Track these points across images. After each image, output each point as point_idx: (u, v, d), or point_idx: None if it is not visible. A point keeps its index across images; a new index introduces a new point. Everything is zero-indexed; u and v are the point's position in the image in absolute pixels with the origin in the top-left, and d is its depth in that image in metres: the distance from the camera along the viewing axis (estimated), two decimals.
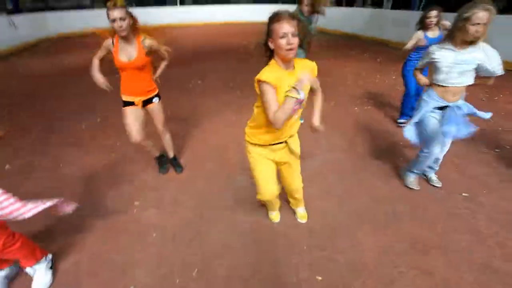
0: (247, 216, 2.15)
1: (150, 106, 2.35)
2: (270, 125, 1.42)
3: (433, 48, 2.01)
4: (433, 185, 2.43)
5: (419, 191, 2.38)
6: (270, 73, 1.34)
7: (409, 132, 2.24)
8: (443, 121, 2.04)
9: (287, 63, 1.39)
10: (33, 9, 14.23)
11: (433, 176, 2.46)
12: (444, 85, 2.00)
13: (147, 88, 2.27)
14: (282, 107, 1.31)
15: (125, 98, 2.27)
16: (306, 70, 1.39)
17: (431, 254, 1.79)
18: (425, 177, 2.53)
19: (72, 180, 2.65)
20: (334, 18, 11.81)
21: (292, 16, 1.31)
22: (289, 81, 1.35)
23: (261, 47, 1.42)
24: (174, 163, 2.76)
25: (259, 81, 1.34)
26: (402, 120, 3.55)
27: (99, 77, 2.13)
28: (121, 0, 1.90)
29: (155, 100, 2.35)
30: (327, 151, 3.04)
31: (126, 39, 2.03)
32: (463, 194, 2.33)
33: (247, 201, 2.29)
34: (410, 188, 2.40)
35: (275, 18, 1.31)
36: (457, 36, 1.85)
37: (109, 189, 2.50)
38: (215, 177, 2.63)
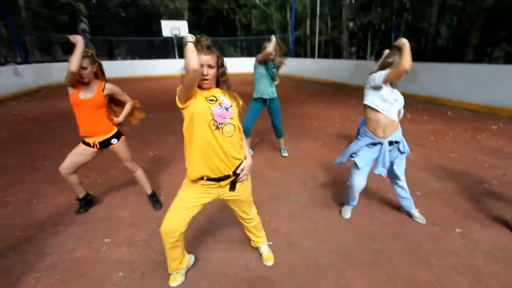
0: (225, 256, 1.97)
1: (110, 147, 2.34)
2: (197, 148, 1.39)
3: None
4: (418, 222, 2.31)
5: (410, 228, 2.25)
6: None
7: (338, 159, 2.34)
8: (378, 159, 2.13)
9: (206, 91, 1.42)
10: (41, 61, 15.20)
11: (415, 212, 2.36)
12: (380, 126, 2.07)
13: (102, 129, 2.26)
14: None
15: (83, 137, 2.28)
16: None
17: None
18: (406, 213, 2.42)
19: (42, 217, 2.48)
20: (322, 68, 12.71)
21: (209, 47, 1.37)
22: (204, 94, 1.38)
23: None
24: (152, 200, 2.63)
25: (178, 91, 1.35)
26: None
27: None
28: (87, 52, 2.06)
29: (114, 141, 2.32)
30: (312, 188, 2.95)
31: (87, 83, 2.14)
32: (457, 230, 2.20)
33: (226, 240, 2.13)
34: (343, 216, 2.40)
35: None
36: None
37: (80, 227, 2.32)
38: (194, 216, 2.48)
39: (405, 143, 2.13)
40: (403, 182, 2.25)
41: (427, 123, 5.39)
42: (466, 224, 2.27)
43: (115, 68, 14.41)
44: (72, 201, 2.71)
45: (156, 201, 2.62)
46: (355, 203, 2.41)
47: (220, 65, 1.44)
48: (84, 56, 2.03)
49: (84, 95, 2.14)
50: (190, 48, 1.24)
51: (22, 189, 3.00)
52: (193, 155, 1.42)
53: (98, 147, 2.28)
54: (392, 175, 2.23)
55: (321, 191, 2.89)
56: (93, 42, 25.94)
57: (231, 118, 1.41)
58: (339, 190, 2.89)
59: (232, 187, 1.54)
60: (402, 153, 2.13)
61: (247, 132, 3.54)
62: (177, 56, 17.02)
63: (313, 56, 18.24)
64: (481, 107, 6.25)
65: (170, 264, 1.65)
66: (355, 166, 2.19)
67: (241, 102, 1.54)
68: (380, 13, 18.18)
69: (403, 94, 2.12)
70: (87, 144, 2.27)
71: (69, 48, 2.00)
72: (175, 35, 15.97)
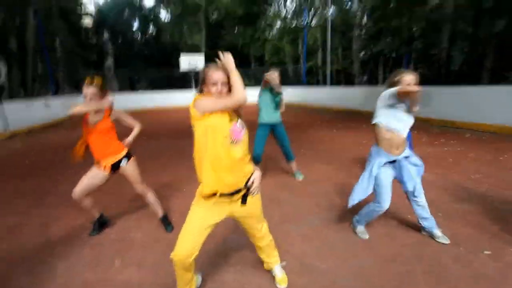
0: (238, 278, 1.90)
1: (120, 169, 2.37)
2: (207, 163, 1.40)
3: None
4: (441, 243, 2.16)
5: (434, 249, 2.10)
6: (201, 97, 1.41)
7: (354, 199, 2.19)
8: (402, 178, 2.08)
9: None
10: (70, 93, 16.43)
11: (437, 233, 2.21)
12: (394, 145, 2.04)
13: (112, 151, 2.33)
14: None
15: (95, 161, 2.34)
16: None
17: None
18: (427, 233, 2.28)
19: (56, 238, 2.52)
20: (335, 96, 12.86)
21: (222, 67, 1.41)
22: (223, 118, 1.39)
23: (198, 93, 1.48)
24: (164, 222, 2.62)
25: (194, 101, 1.36)
26: None
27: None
28: (98, 80, 2.19)
29: (123, 163, 2.36)
30: (327, 210, 2.86)
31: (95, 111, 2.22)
32: (485, 252, 2.04)
33: (238, 262, 2.06)
34: (361, 237, 2.31)
35: (210, 67, 1.42)
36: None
37: (92, 248, 2.34)
38: (205, 239, 2.43)
39: (415, 156, 2.10)
40: (422, 200, 2.15)
41: (445, 145, 5.22)
42: (495, 246, 2.10)
43: (136, 100, 15.26)
44: (86, 224, 2.76)
45: (167, 223, 2.62)
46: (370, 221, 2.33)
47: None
48: (96, 84, 2.17)
49: (92, 119, 2.22)
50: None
51: (39, 212, 3.08)
52: (205, 170, 1.41)
53: (109, 169, 2.32)
54: (409, 192, 2.15)
55: (336, 213, 2.79)
56: (116, 76, 27.85)
57: (243, 139, 1.45)
58: (355, 212, 2.78)
59: (244, 200, 1.53)
60: (414, 165, 2.08)
61: (258, 159, 3.57)
62: (193, 88, 17.86)
63: (325, 85, 18.61)
64: (502, 128, 6.03)
65: (181, 282, 1.60)
66: (380, 187, 2.10)
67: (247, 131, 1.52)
68: (390, 42, 18.62)
69: (417, 118, 2.10)
70: (99, 167, 2.33)
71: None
72: (193, 68, 16.90)
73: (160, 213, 2.62)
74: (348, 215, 2.73)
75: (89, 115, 2.22)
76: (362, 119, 9.46)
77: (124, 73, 25.62)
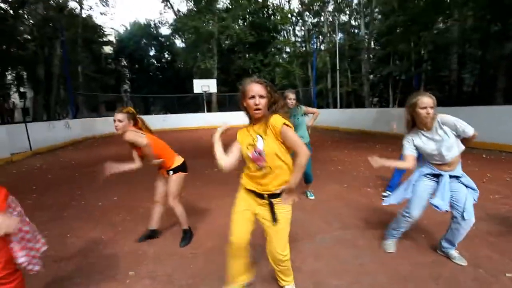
0: None
1: (167, 176, 2.57)
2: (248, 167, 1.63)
3: (408, 138, 2.11)
4: (458, 264, 2.10)
5: (452, 270, 2.04)
6: (240, 134, 1.67)
7: (391, 199, 2.19)
8: (436, 191, 2.04)
9: (258, 120, 1.56)
10: (88, 116, 17.25)
11: (454, 253, 2.15)
12: (439, 163, 2.04)
13: (164, 164, 2.55)
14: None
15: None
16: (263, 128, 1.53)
17: None
18: (443, 253, 2.21)
19: (74, 249, 2.59)
20: (345, 118, 12.94)
21: (259, 81, 1.51)
22: (250, 133, 1.58)
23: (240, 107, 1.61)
24: (184, 235, 2.69)
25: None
26: (385, 194, 3.70)
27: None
28: (126, 109, 2.45)
29: (170, 172, 2.55)
30: (339, 229, 2.83)
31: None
32: (507, 274, 1.96)
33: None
34: (385, 249, 2.26)
35: (246, 81, 1.54)
36: (417, 122, 2.04)
37: (107, 259, 2.39)
38: (216, 256, 2.43)
39: (468, 177, 2.06)
40: (463, 226, 2.01)
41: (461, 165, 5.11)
42: None
43: (150, 122, 15.69)
44: (101, 236, 2.83)
45: (186, 238, 2.66)
46: (399, 235, 2.30)
47: (270, 94, 1.53)
48: (125, 111, 2.42)
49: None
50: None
51: (59, 224, 3.19)
52: (246, 173, 1.68)
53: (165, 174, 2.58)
54: (454, 210, 2.04)
55: (348, 231, 2.75)
56: (132, 100, 29.05)
57: (266, 162, 1.52)
58: (367, 230, 2.74)
59: (274, 219, 1.60)
60: (466, 186, 2.03)
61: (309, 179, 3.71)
62: (205, 110, 18.37)
63: (335, 107, 18.77)
64: None
65: (231, 274, 1.79)
66: (414, 195, 2.10)
67: (280, 124, 1.47)
68: (399, 65, 18.85)
69: None
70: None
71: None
72: (205, 92, 17.50)
73: (185, 226, 2.69)
74: (360, 233, 2.70)
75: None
76: (374, 139, 9.42)
77: (139, 97, 26.74)
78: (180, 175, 2.58)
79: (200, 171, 5.64)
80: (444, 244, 2.18)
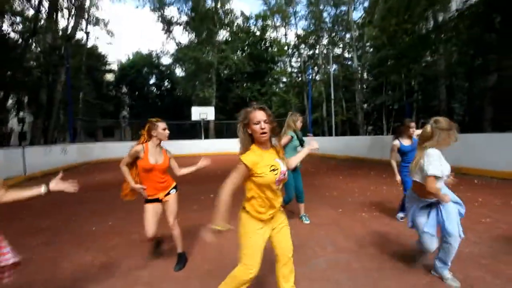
0: None
1: (167, 197, 2.58)
2: (260, 197, 1.65)
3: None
4: (451, 285, 2.12)
5: None
6: (249, 156, 1.60)
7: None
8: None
9: (264, 144, 1.66)
10: (85, 141, 17.30)
11: (447, 274, 2.17)
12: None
13: (167, 185, 2.60)
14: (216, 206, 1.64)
15: (149, 197, 2.54)
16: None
17: None
18: (437, 274, 2.24)
19: (66, 274, 2.55)
20: (340, 145, 13.17)
21: (261, 107, 1.64)
22: (269, 157, 1.65)
23: (243, 134, 1.66)
24: (179, 259, 2.66)
25: (240, 159, 1.61)
26: (401, 215, 3.74)
27: (134, 185, 2.51)
28: (143, 132, 2.62)
29: (172, 191, 2.61)
30: (332, 252, 2.83)
31: (156, 146, 2.55)
32: None
33: None
34: (455, 285, 2.12)
35: (248, 109, 1.65)
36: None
37: (98, 284, 2.35)
38: (211, 280, 2.42)
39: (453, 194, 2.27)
40: (451, 243, 2.11)
41: (454, 190, 5.18)
42: None
43: None
44: (93, 261, 2.79)
45: (180, 262, 2.64)
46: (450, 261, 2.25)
47: (272, 119, 1.64)
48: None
49: (154, 160, 2.49)
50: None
51: (52, 249, 3.14)
52: (254, 202, 1.68)
53: (163, 198, 2.57)
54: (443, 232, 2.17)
55: (342, 255, 2.76)
56: (130, 126, 29.36)
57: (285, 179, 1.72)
58: (361, 255, 2.75)
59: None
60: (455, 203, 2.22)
61: (289, 200, 3.72)
62: (203, 137, 18.57)
63: (331, 135, 19.13)
64: (508, 174, 6.02)
65: None
66: (424, 234, 2.21)
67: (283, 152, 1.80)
68: (391, 95, 19.59)
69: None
70: (153, 201, 2.54)
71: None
72: (203, 119, 17.84)
73: (179, 249, 2.68)
74: (354, 256, 2.70)
75: (147, 153, 2.48)
76: (368, 166, 9.54)
77: (138, 123, 27.05)
78: (177, 192, 2.67)
79: (195, 196, 5.65)
80: (438, 263, 2.20)
